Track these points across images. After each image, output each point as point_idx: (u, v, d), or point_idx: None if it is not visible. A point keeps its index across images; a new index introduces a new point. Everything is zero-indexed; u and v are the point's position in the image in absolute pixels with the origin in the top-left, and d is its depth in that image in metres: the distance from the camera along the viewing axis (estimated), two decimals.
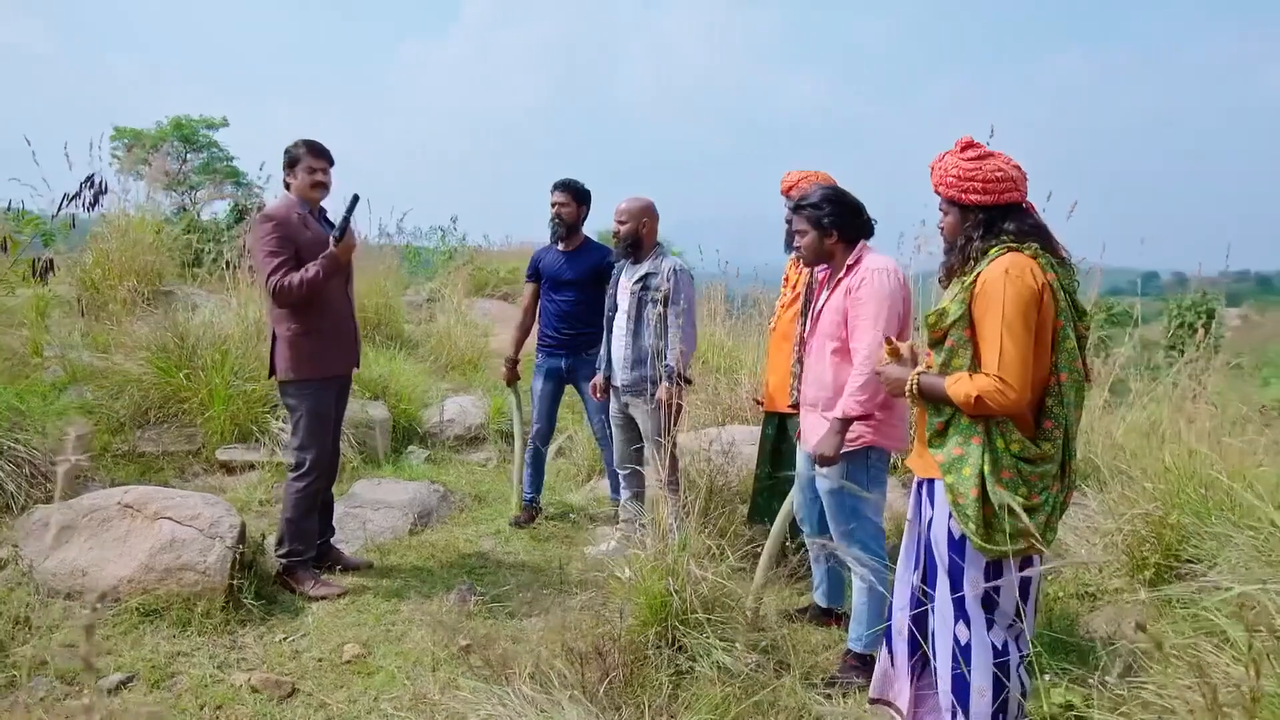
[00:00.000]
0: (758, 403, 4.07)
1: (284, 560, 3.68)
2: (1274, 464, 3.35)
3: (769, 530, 3.45)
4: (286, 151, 3.64)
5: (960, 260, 2.28)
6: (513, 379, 4.73)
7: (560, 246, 4.50)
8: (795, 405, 3.56)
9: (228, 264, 6.80)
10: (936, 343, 2.29)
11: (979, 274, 2.21)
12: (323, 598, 3.64)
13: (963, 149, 2.32)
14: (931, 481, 2.37)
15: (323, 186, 3.66)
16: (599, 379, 4.22)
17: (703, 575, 3.04)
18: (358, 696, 2.91)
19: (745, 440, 4.65)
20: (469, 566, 4.11)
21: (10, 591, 3.37)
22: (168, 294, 7.35)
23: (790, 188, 3.81)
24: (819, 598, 3.49)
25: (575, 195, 4.41)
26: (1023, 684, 2.39)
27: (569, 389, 4.68)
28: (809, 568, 3.58)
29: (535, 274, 4.59)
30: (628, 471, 4.24)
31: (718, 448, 4.29)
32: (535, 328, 4.68)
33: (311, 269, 3.53)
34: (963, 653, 2.34)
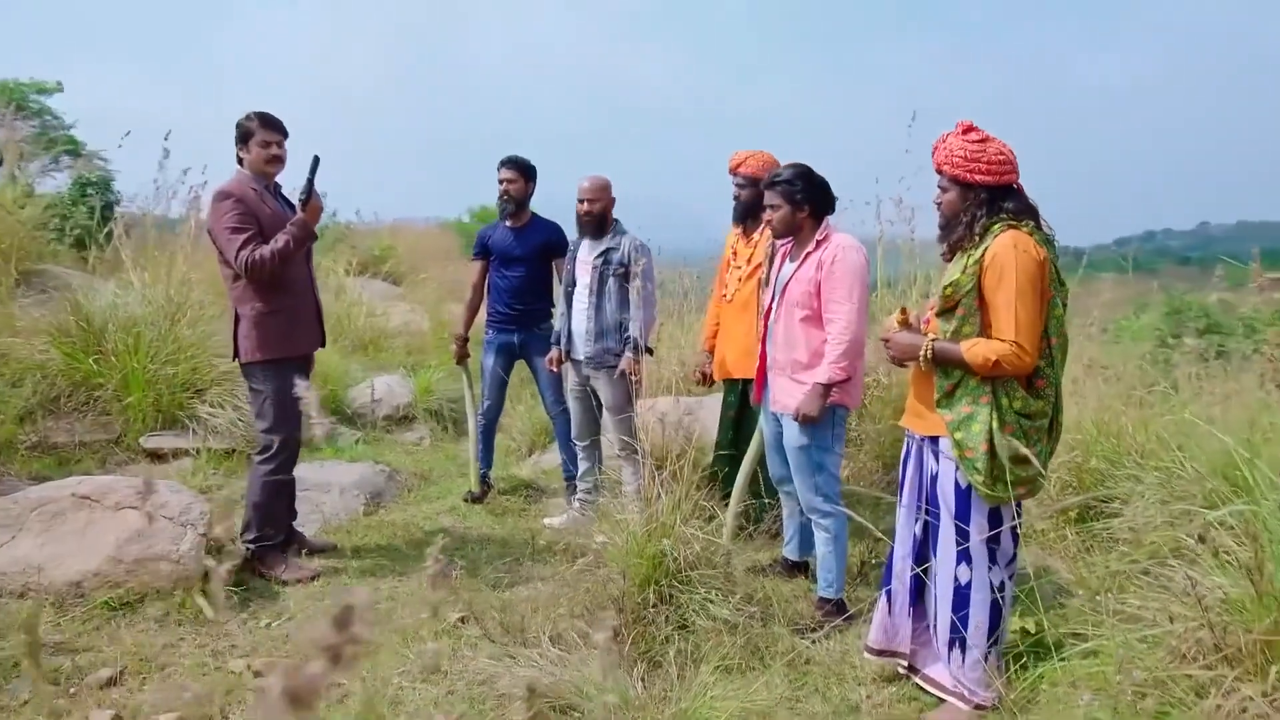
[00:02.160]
0: (703, 376, 4.22)
1: (253, 546, 3.60)
2: (1173, 413, 3.83)
3: (729, 493, 3.69)
4: (238, 125, 3.51)
5: (967, 235, 2.52)
6: (463, 357, 4.73)
7: (508, 223, 4.52)
8: None
9: (98, 240, 6.39)
10: (947, 311, 2.53)
11: (986, 249, 2.46)
12: (297, 581, 3.59)
13: (964, 131, 2.56)
14: (935, 439, 2.63)
15: (278, 161, 3.56)
16: (556, 352, 4.29)
17: (694, 534, 3.22)
18: (366, 674, 2.93)
19: (690, 411, 4.84)
20: (435, 543, 4.12)
21: None
22: (39, 274, 6.87)
23: (739, 165, 4.02)
24: (790, 552, 3.74)
25: (523, 171, 4.44)
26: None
27: (519, 365, 4.73)
28: (780, 527, 3.82)
29: (484, 251, 4.60)
30: (586, 443, 4.36)
31: (674, 419, 4.46)
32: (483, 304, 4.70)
33: (281, 239, 3.44)
34: (963, 592, 2.62)
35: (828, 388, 3.13)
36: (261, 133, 3.50)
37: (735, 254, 4.17)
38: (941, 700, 2.74)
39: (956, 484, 2.60)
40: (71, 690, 2.75)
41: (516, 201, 4.44)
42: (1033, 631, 3.01)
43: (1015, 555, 2.68)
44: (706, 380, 4.20)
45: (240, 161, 3.56)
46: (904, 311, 2.73)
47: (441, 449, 5.70)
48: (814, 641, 3.18)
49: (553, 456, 5.42)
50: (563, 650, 2.71)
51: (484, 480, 4.75)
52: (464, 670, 2.90)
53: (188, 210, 8.19)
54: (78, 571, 3.21)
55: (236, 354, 3.59)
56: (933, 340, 2.58)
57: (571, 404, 4.34)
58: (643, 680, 2.74)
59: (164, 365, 5.00)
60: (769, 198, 3.33)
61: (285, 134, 3.59)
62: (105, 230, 7.23)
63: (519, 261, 4.48)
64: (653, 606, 3.09)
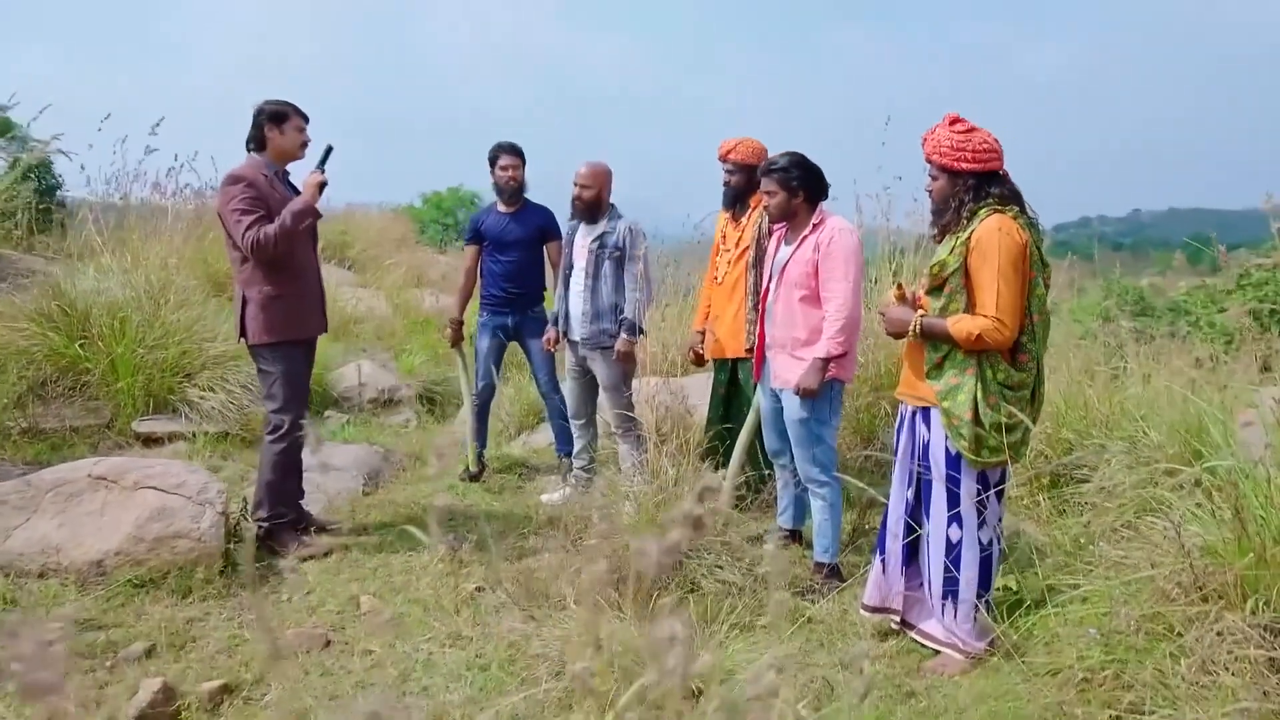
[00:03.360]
0: (697, 356, 4.39)
1: (266, 523, 3.68)
2: (1137, 388, 4.13)
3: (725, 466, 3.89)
4: (269, 107, 3.57)
5: (955, 220, 2.73)
6: (458, 339, 4.83)
7: (502, 208, 4.63)
8: (750, 349, 3.99)
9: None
10: (935, 289, 2.74)
11: (972, 231, 2.67)
12: (310, 557, 3.68)
13: (951, 123, 2.76)
14: (927, 409, 2.84)
15: (306, 146, 3.64)
16: (553, 332, 4.42)
17: (700, 506, 3.39)
18: (395, 642, 3.05)
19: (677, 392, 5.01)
20: (442, 520, 4.24)
21: None
22: None
23: (729, 152, 4.20)
24: (784, 521, 3.94)
25: (522, 157, 4.55)
26: None
27: (512, 347, 4.85)
28: (775, 498, 4.02)
29: (476, 237, 4.69)
30: (582, 421, 4.50)
31: (663, 398, 4.62)
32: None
33: (285, 215, 3.50)
34: (954, 550, 2.84)
35: (826, 362, 3.32)
36: (296, 117, 3.61)
37: (724, 238, 4.34)
38: (937, 652, 2.97)
39: (947, 450, 2.81)
40: (108, 663, 2.83)
41: (520, 186, 4.55)
42: (1014, 589, 3.27)
43: (1002, 516, 2.91)
44: (699, 359, 4.37)
45: (258, 145, 3.61)
46: (900, 287, 2.94)
47: (428, 431, 5.79)
48: (814, 603, 3.38)
49: (541, 436, 5.56)
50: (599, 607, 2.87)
51: (480, 459, 4.87)
52: (489, 635, 3.04)
53: (152, 194, 8.10)
54: (99, 550, 3.27)
55: (243, 335, 3.65)
56: (921, 315, 2.79)
57: (569, 383, 4.48)
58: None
59: (152, 350, 5.00)
60: (765, 184, 3.50)
61: (309, 120, 3.69)
62: (51, 215, 7.14)
63: (512, 246, 4.59)
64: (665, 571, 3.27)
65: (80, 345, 4.96)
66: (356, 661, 2.93)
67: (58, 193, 9.27)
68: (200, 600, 3.24)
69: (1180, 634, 2.13)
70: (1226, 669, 1.93)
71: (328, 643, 3.03)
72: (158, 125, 6.97)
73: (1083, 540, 3.47)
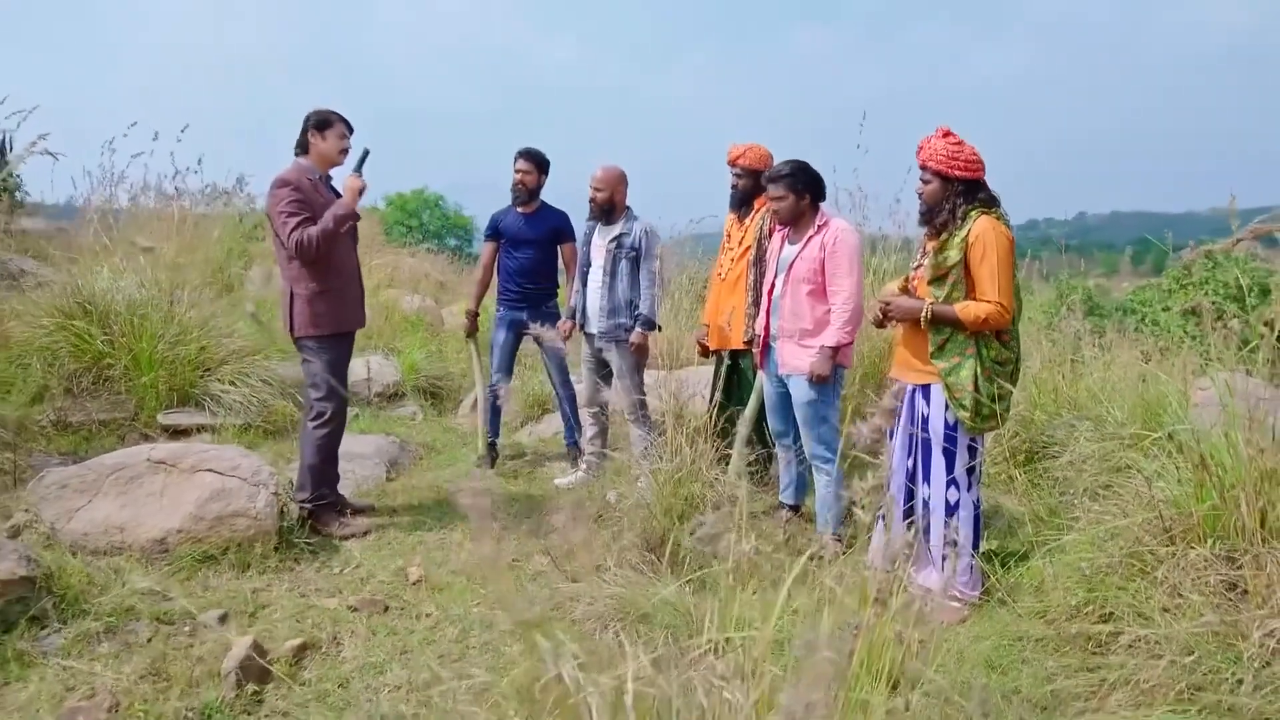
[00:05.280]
0: (702, 347, 4.75)
1: (309, 504, 3.93)
2: (1099, 375, 4.57)
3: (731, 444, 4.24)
4: (314, 114, 3.82)
5: (950, 220, 3.12)
6: (473, 330, 5.11)
7: (519, 209, 4.92)
8: (748, 342, 4.35)
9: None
10: (938, 279, 3.12)
11: (970, 230, 3.05)
12: (350, 536, 3.94)
13: (944, 135, 3.15)
14: (926, 386, 3.22)
15: (346, 154, 3.90)
16: (569, 324, 4.73)
17: (716, 479, 3.74)
18: (446, 605, 3.34)
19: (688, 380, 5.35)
20: (470, 498, 4.52)
21: (41, 553, 3.39)
22: None
23: (737, 158, 4.54)
24: (787, 497, 4.30)
25: (537, 163, 4.85)
26: None
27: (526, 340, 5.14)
28: (776, 476, 4.38)
29: (495, 234, 4.98)
30: (595, 409, 4.82)
31: (667, 387, 4.96)
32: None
33: (327, 218, 3.76)
34: (952, 509, 3.22)
35: (835, 350, 3.69)
36: (340, 126, 3.86)
37: (729, 237, 4.70)
38: (935, 604, 3.35)
39: (945, 421, 3.20)
40: (187, 628, 3.07)
41: (530, 191, 4.84)
42: (997, 552, 3.67)
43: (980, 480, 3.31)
44: (705, 350, 4.72)
45: (303, 149, 3.87)
46: (906, 280, 3.31)
47: (436, 423, 6.05)
48: (819, 568, 3.74)
49: (545, 427, 5.86)
50: (630, 571, 3.19)
51: (493, 446, 5.15)
52: (533, 599, 3.34)
53: (137, 197, 8.22)
54: (161, 529, 3.50)
55: (290, 328, 3.90)
56: (930, 304, 3.17)
57: (584, 373, 4.79)
58: (693, 597, 3.25)
59: (174, 346, 5.19)
60: (773, 190, 3.86)
61: (353, 130, 3.95)
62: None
63: (528, 244, 4.89)
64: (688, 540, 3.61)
65: (104, 342, 5.13)
66: (417, 623, 3.21)
67: (18, 194, 9.34)
68: (259, 573, 3.49)
69: (1151, 571, 2.52)
70: (1193, 593, 2.32)
71: (386, 608, 3.30)
72: (132, 127, 7.14)
73: (1058, 508, 3.88)
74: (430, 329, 8.71)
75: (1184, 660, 2.17)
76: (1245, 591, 2.24)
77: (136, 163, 9.06)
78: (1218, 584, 2.30)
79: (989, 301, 3.03)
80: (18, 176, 9.16)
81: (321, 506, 3.96)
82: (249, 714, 2.59)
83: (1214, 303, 7.08)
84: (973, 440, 3.21)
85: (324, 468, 3.97)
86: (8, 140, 5.99)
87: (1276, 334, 2.70)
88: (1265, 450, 2.37)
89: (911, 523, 3.43)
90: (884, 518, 3.47)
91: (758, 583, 3.46)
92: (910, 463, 3.35)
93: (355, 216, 3.93)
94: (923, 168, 3.22)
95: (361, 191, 3.91)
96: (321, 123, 3.84)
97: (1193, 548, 2.40)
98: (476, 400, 6.15)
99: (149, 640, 2.98)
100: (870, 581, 3.54)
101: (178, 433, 4.99)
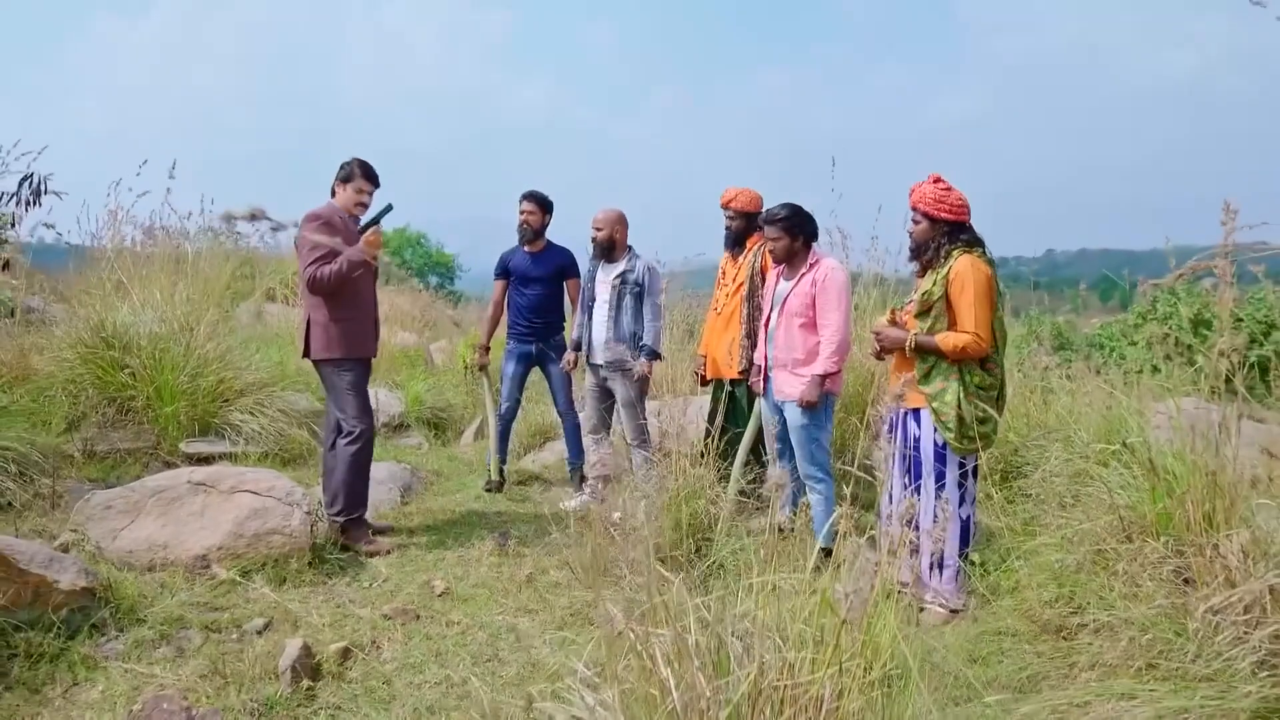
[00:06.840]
0: (700, 375, 5.08)
1: (342, 520, 4.18)
2: (1067, 402, 4.94)
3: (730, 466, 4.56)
4: (344, 165, 4.16)
5: (935, 258, 3.48)
6: (484, 363, 5.41)
7: (526, 248, 5.26)
8: (743, 371, 4.69)
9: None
10: (924, 312, 3.47)
11: (951, 267, 3.42)
12: (376, 553, 4.19)
13: (934, 181, 3.52)
14: (917, 411, 3.56)
15: (364, 207, 4.23)
16: (572, 356, 5.05)
17: (716, 497, 4.05)
18: (474, 613, 3.60)
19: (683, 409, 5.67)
20: (478, 523, 4.79)
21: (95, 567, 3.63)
22: None
23: (731, 200, 4.92)
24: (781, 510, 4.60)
25: (541, 205, 5.19)
26: None
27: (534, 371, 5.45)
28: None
29: (504, 272, 5.31)
30: (599, 436, 5.12)
31: (668, 415, 5.28)
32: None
33: (342, 261, 4.07)
34: (940, 522, 3.54)
35: (824, 378, 4.03)
36: (360, 180, 4.18)
37: (724, 274, 5.05)
38: (923, 609, 3.65)
39: (935, 443, 3.53)
40: (234, 636, 3.31)
41: (535, 231, 5.18)
42: (976, 562, 3.99)
43: (975, 497, 3.63)
44: (703, 379, 5.05)
45: (333, 193, 4.20)
46: (893, 312, 3.67)
47: (441, 451, 6.31)
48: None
49: (547, 454, 6.14)
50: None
51: (501, 472, 5.42)
52: (553, 606, 3.62)
53: (152, 237, 8.49)
54: (203, 546, 3.74)
55: (307, 352, 4.18)
56: (914, 334, 3.52)
57: (589, 402, 5.10)
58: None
59: (194, 378, 5.44)
60: (770, 232, 4.22)
61: (378, 184, 4.27)
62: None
63: (535, 281, 5.21)
64: (693, 554, 3.90)
65: (127, 374, 5.37)
66: (448, 629, 3.47)
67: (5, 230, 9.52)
68: (295, 586, 3.74)
69: (1113, 565, 2.86)
70: (1149, 581, 2.65)
71: (417, 616, 3.56)
72: (143, 165, 7.41)
73: (1031, 520, 4.22)
74: (426, 364, 8.98)
75: (1142, 639, 2.50)
76: (1189, 580, 2.58)
77: (140, 201, 9.29)
78: (1169, 574, 2.63)
79: (967, 332, 3.38)
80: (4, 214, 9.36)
81: (353, 521, 4.21)
82: (305, 707, 2.84)
83: (1172, 335, 7.54)
84: (963, 460, 3.54)
85: (356, 484, 4.22)
86: (42, 182, 6.22)
87: (1214, 360, 3.06)
88: (1208, 458, 2.72)
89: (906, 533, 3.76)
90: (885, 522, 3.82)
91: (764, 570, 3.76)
92: (907, 479, 3.68)
93: (367, 265, 4.23)
94: (913, 209, 3.59)
95: (376, 244, 4.22)
96: (346, 176, 4.18)
97: (1148, 543, 2.74)
98: (485, 429, 6.46)
99: (200, 646, 3.21)
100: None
101: (200, 460, 5.22)
